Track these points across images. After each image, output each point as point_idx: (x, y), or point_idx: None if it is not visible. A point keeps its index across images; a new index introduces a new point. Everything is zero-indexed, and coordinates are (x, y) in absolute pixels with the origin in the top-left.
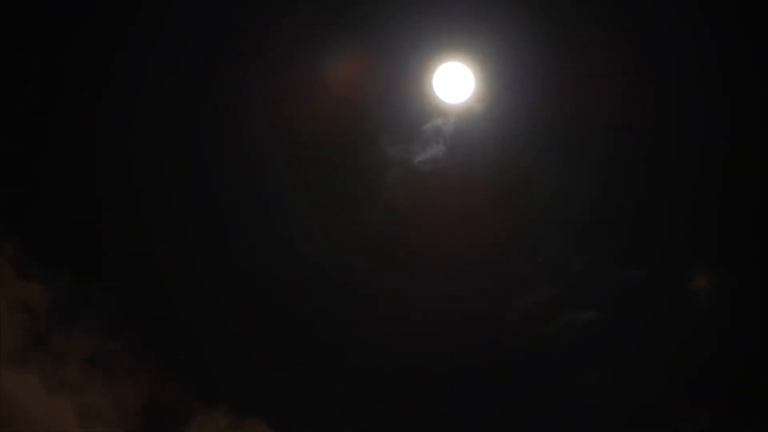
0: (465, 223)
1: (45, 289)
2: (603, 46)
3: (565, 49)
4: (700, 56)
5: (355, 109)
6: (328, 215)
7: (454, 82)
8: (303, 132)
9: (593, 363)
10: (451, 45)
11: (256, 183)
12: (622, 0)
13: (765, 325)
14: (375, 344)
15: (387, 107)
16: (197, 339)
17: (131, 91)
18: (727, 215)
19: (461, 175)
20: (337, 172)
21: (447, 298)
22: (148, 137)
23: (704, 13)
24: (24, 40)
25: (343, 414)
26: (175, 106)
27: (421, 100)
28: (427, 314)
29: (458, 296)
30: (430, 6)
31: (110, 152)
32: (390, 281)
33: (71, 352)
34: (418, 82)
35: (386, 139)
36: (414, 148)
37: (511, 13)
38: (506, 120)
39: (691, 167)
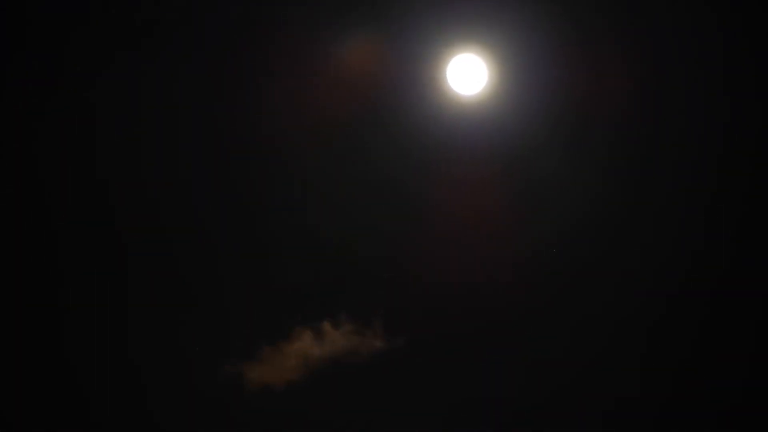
0: (475, 214)
1: None
2: (619, 39)
3: (581, 41)
4: (719, 49)
5: (367, 100)
6: (336, 206)
7: (468, 74)
8: (314, 123)
9: None
10: (464, 37)
11: (263, 178)
12: None
13: None
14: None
15: (399, 99)
16: None
17: (143, 83)
18: None
19: (472, 166)
20: (348, 163)
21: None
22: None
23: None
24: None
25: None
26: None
27: (434, 92)
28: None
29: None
30: None
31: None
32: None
33: None
34: (432, 73)
35: (398, 130)
36: (426, 139)
37: (526, 5)
38: (519, 112)
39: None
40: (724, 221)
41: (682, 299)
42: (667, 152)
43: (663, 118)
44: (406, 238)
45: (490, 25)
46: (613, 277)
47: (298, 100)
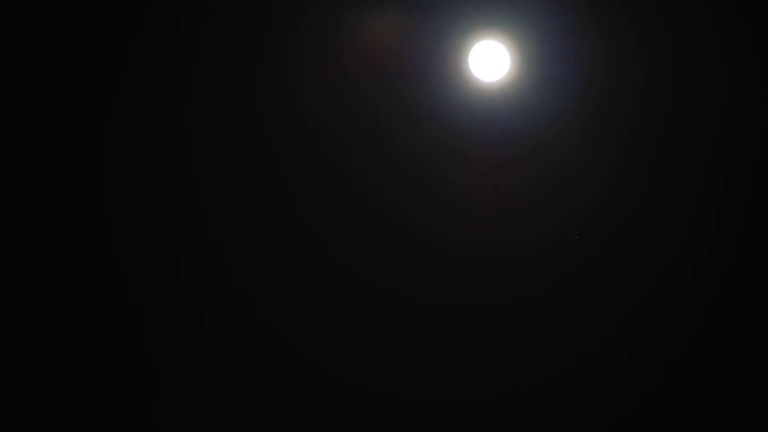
0: (496, 204)
1: None
2: (645, 27)
3: (605, 29)
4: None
5: (388, 86)
6: (351, 198)
7: (490, 61)
8: (325, 113)
9: None
10: (487, 23)
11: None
12: None
13: None
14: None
15: (421, 86)
16: None
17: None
18: None
19: (494, 151)
20: (366, 151)
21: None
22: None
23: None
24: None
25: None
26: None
27: (456, 78)
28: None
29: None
30: None
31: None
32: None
33: None
34: (454, 60)
35: (420, 117)
36: (448, 127)
37: None
38: (541, 100)
39: None
40: (740, 211)
41: (694, 290)
42: (688, 141)
43: (686, 106)
44: (425, 219)
45: (513, 12)
46: (630, 262)
47: (315, 88)
